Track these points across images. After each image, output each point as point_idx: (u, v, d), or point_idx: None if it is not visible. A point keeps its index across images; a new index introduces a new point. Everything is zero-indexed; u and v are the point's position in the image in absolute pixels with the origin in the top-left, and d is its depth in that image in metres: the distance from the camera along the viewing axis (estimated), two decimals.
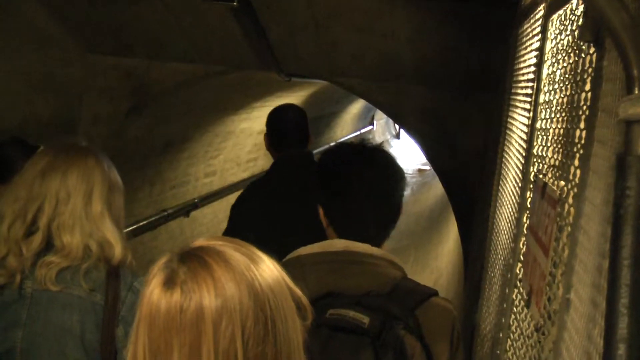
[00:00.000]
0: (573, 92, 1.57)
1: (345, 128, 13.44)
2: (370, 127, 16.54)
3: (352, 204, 2.10)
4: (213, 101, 6.45)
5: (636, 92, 0.91)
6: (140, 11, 4.54)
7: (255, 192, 3.72)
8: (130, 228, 5.45)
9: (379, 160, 2.14)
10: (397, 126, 19.14)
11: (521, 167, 2.32)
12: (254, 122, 7.83)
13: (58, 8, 4.52)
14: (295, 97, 8.02)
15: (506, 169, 2.85)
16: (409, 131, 5.39)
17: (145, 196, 6.28)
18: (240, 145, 8.04)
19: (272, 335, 1.20)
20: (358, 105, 12.78)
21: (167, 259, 1.24)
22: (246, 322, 1.17)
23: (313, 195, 2.24)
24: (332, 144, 11.01)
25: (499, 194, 3.01)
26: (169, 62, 5.13)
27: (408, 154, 15.00)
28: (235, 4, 3.94)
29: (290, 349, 1.24)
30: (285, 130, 3.71)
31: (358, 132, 14.71)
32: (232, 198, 8.02)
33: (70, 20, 4.67)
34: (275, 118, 3.79)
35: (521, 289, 1.99)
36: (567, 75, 1.70)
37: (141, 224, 6.07)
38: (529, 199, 2.08)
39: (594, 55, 1.36)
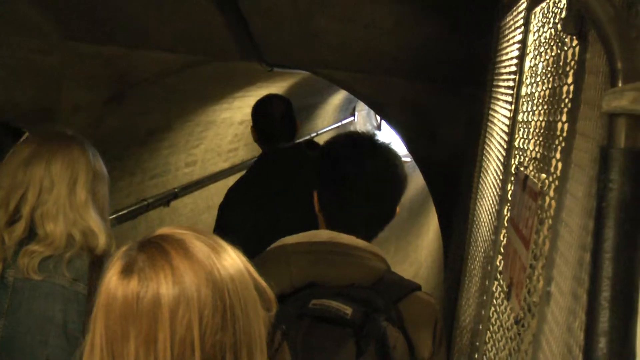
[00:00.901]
0: (555, 84, 1.57)
1: (327, 119, 13.43)
2: (352, 118, 16.54)
3: (346, 197, 2.09)
4: (194, 91, 6.41)
5: (620, 84, 0.90)
6: None
7: (246, 191, 3.65)
8: (110, 217, 5.41)
9: (383, 160, 2.14)
10: (378, 118, 19.15)
11: (502, 160, 2.32)
12: (235, 112, 7.80)
13: None
14: (276, 88, 7.99)
15: (487, 161, 2.85)
16: (390, 122, 5.39)
17: (125, 185, 6.24)
18: (221, 135, 8.01)
19: (230, 324, 1.19)
20: (339, 97, 12.77)
21: (128, 247, 1.24)
22: (204, 311, 1.17)
23: (309, 181, 2.24)
24: (312, 135, 11.01)
25: (480, 186, 3.01)
26: (150, 51, 5.09)
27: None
28: None
29: (250, 339, 1.23)
30: (272, 123, 3.68)
31: (339, 124, 14.70)
32: (212, 188, 8.04)
33: (50, 7, 4.61)
34: (262, 111, 3.75)
35: (501, 281, 2.00)
36: (549, 68, 1.70)
37: (121, 213, 6.03)
38: (510, 192, 2.08)
39: (577, 48, 1.35)
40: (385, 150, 2.17)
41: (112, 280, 1.20)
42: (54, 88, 4.98)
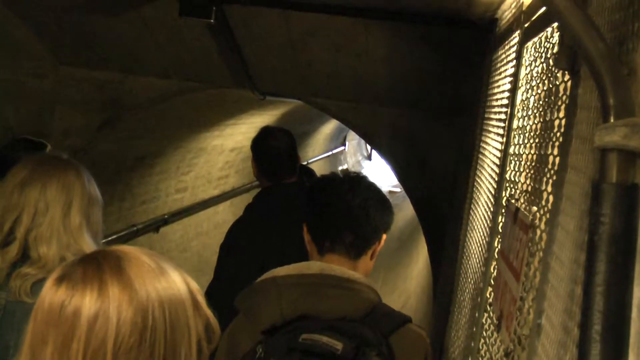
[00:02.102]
0: (547, 118, 1.58)
1: (317, 148, 13.46)
2: (342, 147, 16.57)
3: (332, 224, 2.16)
4: (186, 117, 6.42)
5: (612, 120, 0.92)
6: (116, 24, 4.52)
7: (252, 231, 3.51)
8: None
9: (362, 189, 2.22)
10: (369, 147, 19.21)
11: (493, 192, 2.33)
12: (226, 139, 7.81)
13: (33, 18, 4.48)
14: (268, 116, 8.01)
15: (478, 193, 2.87)
16: (381, 152, 5.41)
17: (115, 210, 6.23)
18: (212, 162, 8.01)
19: (149, 345, 1.21)
20: (331, 126, 12.80)
21: (73, 259, 1.29)
22: (121, 328, 1.19)
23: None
24: (304, 163, 11.02)
25: (470, 218, 3.02)
26: (143, 77, 5.10)
27: (379, 175, 15.04)
28: (212, 21, 3.94)
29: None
30: (278, 157, 3.57)
31: (330, 153, 14.73)
32: (202, 215, 8.02)
33: (44, 31, 4.63)
34: (266, 145, 3.61)
35: (491, 313, 2.00)
36: (541, 102, 1.72)
37: (110, 238, 6.00)
38: (501, 224, 2.09)
39: (569, 82, 1.37)
40: (370, 183, 2.29)
41: (46, 287, 1.24)
42: (47, 111, 4.99)
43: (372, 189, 2.25)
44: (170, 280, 1.28)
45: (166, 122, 6.17)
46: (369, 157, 19.53)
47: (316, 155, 13.09)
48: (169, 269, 1.30)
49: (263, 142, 3.63)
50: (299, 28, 4.22)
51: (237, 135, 7.96)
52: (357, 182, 2.24)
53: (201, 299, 1.33)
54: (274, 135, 3.66)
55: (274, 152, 3.56)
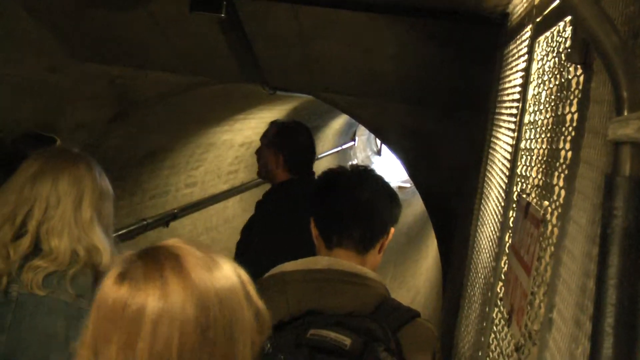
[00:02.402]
0: (559, 112, 1.58)
1: (327, 143, 13.46)
2: (352, 142, 16.57)
3: (339, 218, 2.15)
4: (196, 112, 6.43)
5: (625, 113, 0.92)
6: (127, 20, 4.53)
7: (280, 222, 3.56)
8: None
9: (369, 184, 2.22)
10: (378, 142, 19.19)
11: (504, 187, 2.33)
12: (236, 134, 7.82)
13: (45, 14, 4.49)
14: (277, 111, 8.02)
15: (489, 188, 2.86)
16: (391, 147, 5.41)
17: (125, 205, 6.24)
18: (222, 157, 8.03)
19: (211, 343, 1.21)
20: (340, 121, 12.80)
21: (130, 254, 1.28)
22: (185, 328, 1.19)
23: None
24: (309, 162, 11.01)
25: (481, 213, 3.02)
26: (154, 72, 5.11)
27: (389, 171, 15.04)
28: (222, 15, 3.94)
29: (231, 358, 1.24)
30: (305, 151, 3.71)
31: (339, 148, 14.73)
32: (212, 209, 8.04)
33: (56, 26, 4.64)
34: (294, 139, 3.72)
35: (502, 307, 2.00)
36: (553, 96, 1.72)
37: (120, 232, 6.02)
38: (512, 218, 2.09)
39: (582, 76, 1.37)
40: (377, 177, 2.29)
41: (107, 284, 1.24)
42: (57, 106, 5.00)
43: (379, 183, 2.25)
44: (224, 272, 1.28)
45: (176, 117, 6.18)
46: (378, 153, 19.51)
47: (326, 150, 13.09)
48: (221, 260, 1.30)
49: (290, 135, 3.74)
50: (309, 22, 4.21)
51: (246, 130, 7.97)
52: (364, 176, 2.24)
53: (252, 290, 1.33)
54: (300, 130, 3.79)
55: (302, 146, 3.70)
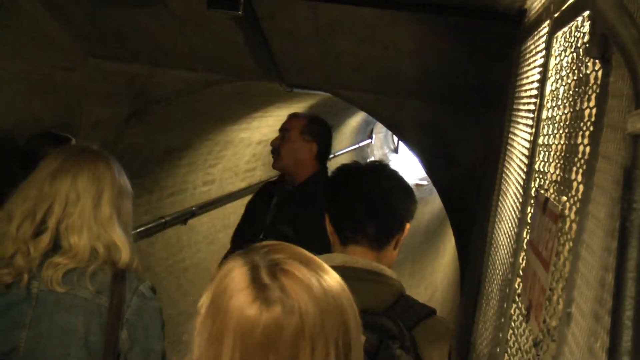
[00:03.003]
0: (577, 108, 1.57)
1: (344, 141, 13.46)
2: (369, 140, 16.57)
3: (354, 214, 2.14)
4: (213, 110, 6.45)
5: None
6: (144, 18, 4.55)
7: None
8: None
9: (384, 177, 2.20)
10: (395, 140, 19.17)
11: (522, 183, 2.32)
12: (253, 132, 7.84)
13: (61, 11, 4.52)
14: (295, 109, 8.00)
15: (506, 184, 2.85)
16: (408, 144, 5.40)
17: (143, 203, 6.27)
18: (239, 154, 8.04)
19: (353, 346, 1.23)
20: (357, 119, 12.80)
21: (250, 271, 1.23)
22: (338, 341, 1.19)
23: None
24: (330, 156, 11.03)
25: (499, 209, 3.01)
26: (172, 70, 5.13)
27: (406, 168, 15.03)
28: (240, 13, 3.95)
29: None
30: (331, 143, 3.89)
31: (357, 145, 14.73)
32: (229, 207, 8.05)
33: (73, 24, 4.67)
34: (326, 129, 3.87)
35: (520, 303, 2.00)
36: (571, 92, 1.71)
37: (138, 230, 6.05)
38: (530, 214, 2.08)
39: (600, 71, 1.36)
40: (392, 172, 2.27)
41: (250, 308, 1.19)
42: (76, 104, 5.03)
43: (394, 178, 2.23)
44: (329, 270, 1.29)
45: (193, 114, 6.20)
46: (395, 150, 19.50)
47: (343, 148, 13.09)
48: (317, 259, 1.30)
49: (325, 125, 3.87)
50: (326, 19, 4.21)
51: (263, 128, 7.98)
52: (379, 171, 2.22)
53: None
54: (327, 122, 3.95)
55: (331, 136, 3.89)
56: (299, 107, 8.02)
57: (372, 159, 15.94)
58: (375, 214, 2.13)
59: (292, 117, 3.96)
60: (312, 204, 3.73)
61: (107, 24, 4.70)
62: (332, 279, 1.26)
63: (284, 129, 3.85)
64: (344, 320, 1.21)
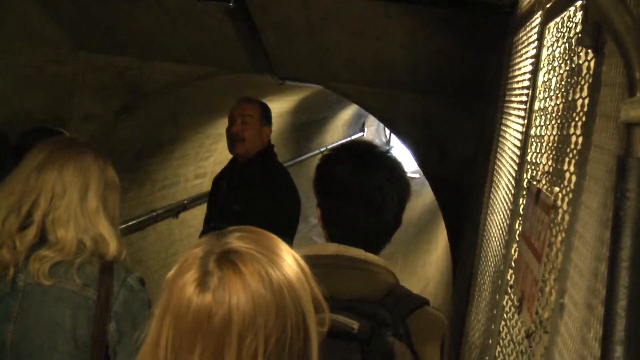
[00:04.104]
0: (569, 98, 1.57)
1: (336, 134, 13.45)
2: (361, 133, 16.56)
3: (347, 211, 2.03)
4: (205, 103, 6.43)
5: (638, 94, 0.91)
6: (135, 10, 4.53)
7: None
8: (120, 228, 5.41)
9: (381, 168, 2.04)
10: (387, 133, 19.17)
11: (514, 174, 2.32)
12: None
13: (52, 5, 4.50)
14: (286, 102, 8.01)
15: (498, 176, 2.85)
16: (401, 137, 5.39)
17: (134, 196, 6.26)
18: None
19: (289, 345, 1.19)
20: (349, 112, 12.78)
21: (202, 256, 1.23)
22: (270, 338, 1.17)
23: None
24: (321, 149, 11.03)
25: (491, 201, 3.01)
26: (163, 63, 5.12)
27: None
28: (231, 5, 3.93)
29: (307, 356, 1.24)
30: None
31: (349, 139, 14.71)
32: None
33: (63, 17, 4.65)
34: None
35: (512, 295, 2.00)
36: (563, 82, 1.71)
37: (130, 223, 6.05)
38: (522, 206, 2.08)
39: (592, 61, 1.36)
40: (384, 160, 2.08)
41: (188, 290, 1.19)
42: (66, 98, 5.01)
43: (385, 167, 2.05)
44: (291, 268, 1.25)
45: (185, 108, 6.18)
46: (388, 143, 19.50)
47: (335, 141, 13.08)
48: (283, 253, 1.27)
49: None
50: (318, 11, 4.21)
51: None
52: (366, 162, 2.05)
53: (310, 275, 1.30)
54: None
55: None
56: (290, 100, 8.01)
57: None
58: (370, 223, 2.02)
59: (248, 102, 4.08)
60: (257, 180, 3.94)
61: (97, 17, 4.68)
62: (280, 275, 1.22)
63: (243, 114, 3.96)
64: (282, 317, 1.18)
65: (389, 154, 2.09)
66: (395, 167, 2.07)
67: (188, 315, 1.17)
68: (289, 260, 1.27)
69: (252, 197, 3.85)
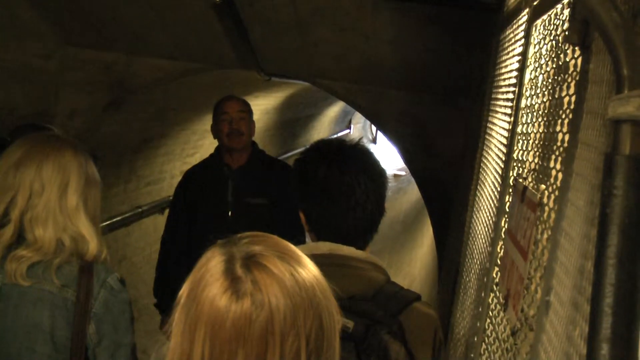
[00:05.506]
0: (556, 96, 1.57)
1: (322, 131, 13.44)
2: (348, 130, 16.57)
3: (331, 210, 2.05)
4: (191, 99, 6.41)
5: (625, 91, 0.90)
6: (122, 5, 4.50)
7: None
8: (104, 224, 5.40)
9: (356, 162, 2.08)
10: (374, 130, 19.18)
11: (500, 172, 2.32)
12: None
13: None
14: (273, 98, 8.00)
15: (485, 174, 2.85)
16: (387, 134, 5.39)
17: (119, 192, 6.23)
18: (217, 143, 7.99)
19: (326, 341, 1.21)
20: (336, 109, 12.78)
21: (225, 264, 1.22)
22: (310, 336, 1.18)
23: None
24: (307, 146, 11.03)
25: (477, 198, 3.01)
26: (149, 58, 5.09)
27: (384, 159, 15.04)
28: (217, 0, 3.92)
29: (333, 355, 1.24)
30: None
31: (335, 136, 14.72)
32: None
33: (50, 11, 4.61)
34: None
35: (498, 292, 1.99)
36: (550, 80, 1.70)
37: (115, 220, 6.03)
38: (508, 203, 2.08)
39: (580, 58, 1.36)
40: (357, 152, 2.11)
41: (221, 300, 1.18)
42: (52, 92, 4.98)
43: (359, 159, 2.08)
44: (309, 263, 1.27)
45: (171, 103, 6.16)
46: (374, 141, 19.51)
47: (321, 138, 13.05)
48: (302, 258, 1.28)
49: None
50: (306, 7, 4.19)
51: None
52: (341, 159, 2.06)
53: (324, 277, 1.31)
54: None
55: None
56: (277, 96, 7.99)
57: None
58: (354, 221, 2.05)
59: (237, 99, 4.29)
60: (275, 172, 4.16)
61: (84, 12, 4.65)
62: (308, 273, 1.24)
63: (241, 110, 4.19)
64: (318, 315, 1.20)
65: (359, 145, 2.12)
66: (367, 156, 2.10)
67: (226, 324, 1.16)
68: (307, 260, 1.28)
69: (274, 190, 4.06)
